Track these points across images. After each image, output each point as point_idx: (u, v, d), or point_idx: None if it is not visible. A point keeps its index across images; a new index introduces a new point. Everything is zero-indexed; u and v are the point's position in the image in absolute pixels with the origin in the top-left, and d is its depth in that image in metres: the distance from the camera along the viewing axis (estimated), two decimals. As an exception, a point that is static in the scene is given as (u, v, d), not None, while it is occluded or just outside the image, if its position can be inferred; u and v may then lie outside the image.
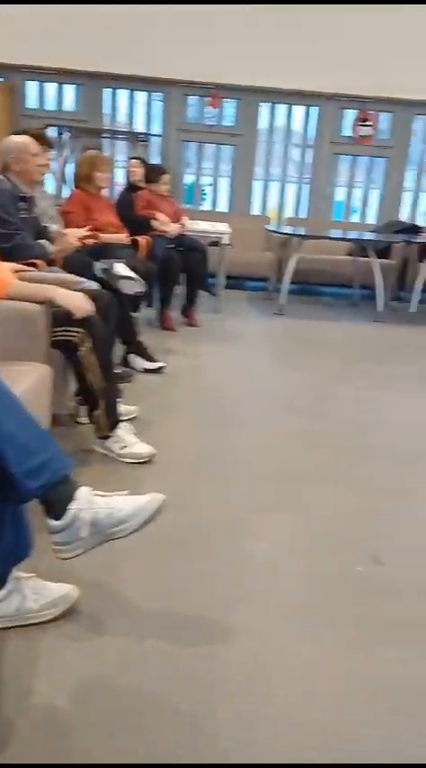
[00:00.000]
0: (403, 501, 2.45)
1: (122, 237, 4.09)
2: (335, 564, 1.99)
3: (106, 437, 2.54)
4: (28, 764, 1.26)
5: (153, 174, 4.97)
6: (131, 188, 5.29)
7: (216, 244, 5.42)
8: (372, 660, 1.58)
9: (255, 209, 7.40)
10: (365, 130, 6.93)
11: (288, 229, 6.44)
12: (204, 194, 7.77)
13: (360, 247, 6.14)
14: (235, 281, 6.42)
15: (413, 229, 6.77)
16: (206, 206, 7.64)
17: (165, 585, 1.81)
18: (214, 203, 7.58)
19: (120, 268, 3.32)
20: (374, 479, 2.61)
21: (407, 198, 7.46)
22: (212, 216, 6.60)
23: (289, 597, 1.81)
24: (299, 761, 1.28)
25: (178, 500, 2.26)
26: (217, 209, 7.43)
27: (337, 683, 1.49)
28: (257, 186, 7.34)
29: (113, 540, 1.57)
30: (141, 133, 6.95)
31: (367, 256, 5.83)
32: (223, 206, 7.51)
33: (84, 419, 2.63)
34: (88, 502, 1.52)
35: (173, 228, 4.75)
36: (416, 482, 2.62)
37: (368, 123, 6.91)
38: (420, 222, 7.21)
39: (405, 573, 1.97)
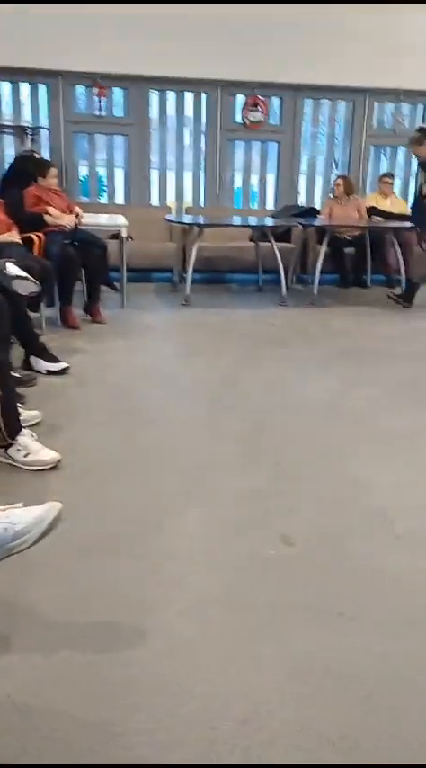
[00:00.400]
0: (311, 482, 2.49)
1: (13, 236, 3.93)
2: (247, 550, 2.00)
3: (7, 446, 2.44)
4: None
5: (40, 168, 4.81)
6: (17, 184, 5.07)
7: (116, 237, 5.32)
8: (284, 644, 1.60)
9: (154, 200, 7.32)
10: (255, 116, 6.98)
11: (187, 219, 6.42)
12: (103, 186, 7.61)
13: (261, 233, 6.20)
14: (140, 274, 6.33)
15: (311, 212, 6.91)
16: (102, 199, 7.49)
17: (76, 595, 1.76)
18: (111, 195, 7.45)
19: (12, 268, 3.19)
20: (283, 462, 2.64)
21: (303, 181, 7.59)
22: (110, 208, 6.48)
23: (202, 591, 1.80)
24: (218, 760, 1.27)
25: (87, 504, 2.22)
26: (115, 202, 7.30)
27: (250, 673, 1.50)
28: (154, 176, 7.26)
29: (14, 554, 1.52)
30: (28, 127, 6.71)
31: (268, 241, 5.89)
32: (120, 198, 7.39)
33: (-17, 429, 2.52)
34: (-19, 519, 1.45)
35: (68, 220, 4.62)
36: (323, 463, 2.67)
37: (258, 108, 6.96)
38: (317, 205, 7.37)
39: (315, 553, 2.01)
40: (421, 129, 5.53)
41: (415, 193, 6.00)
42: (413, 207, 5.93)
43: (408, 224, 6.03)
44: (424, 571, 1.91)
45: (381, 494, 2.39)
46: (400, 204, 6.86)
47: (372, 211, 6.62)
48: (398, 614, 1.72)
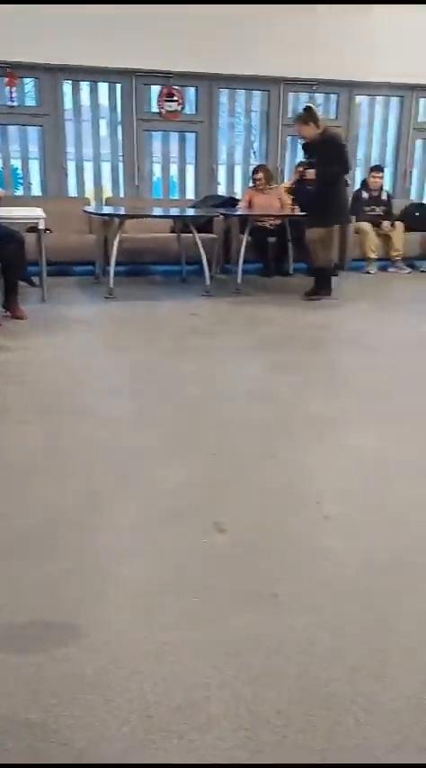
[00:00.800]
0: (242, 470, 2.52)
1: None
2: (179, 540, 2.00)
3: None
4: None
5: None
6: None
7: (34, 230, 5.19)
8: (219, 629, 1.62)
9: (72, 191, 7.18)
10: (171, 106, 6.95)
11: (107, 210, 6.34)
12: (19, 179, 7.40)
13: (183, 223, 6.19)
14: (60, 268, 6.22)
15: (231, 202, 6.96)
16: (17, 191, 7.28)
17: (7, 595, 1.72)
18: (27, 188, 7.25)
19: None
20: (212, 450, 2.66)
21: (222, 171, 7.62)
22: (26, 201, 6.31)
23: (134, 583, 1.80)
24: (155, 748, 1.28)
25: (15, 504, 2.18)
26: (31, 194, 7.12)
27: (186, 659, 1.51)
28: (71, 167, 7.12)
29: None
30: None
31: (190, 232, 5.89)
32: (37, 190, 7.21)
33: None
34: None
35: None
36: (253, 450, 2.70)
37: (173, 99, 6.94)
38: (238, 194, 7.43)
39: (247, 538, 2.03)
40: (307, 109, 5.43)
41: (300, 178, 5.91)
42: (296, 190, 5.82)
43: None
44: (354, 550, 1.97)
45: (311, 478, 2.44)
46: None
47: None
48: (329, 592, 1.77)
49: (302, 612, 1.68)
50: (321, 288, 5.68)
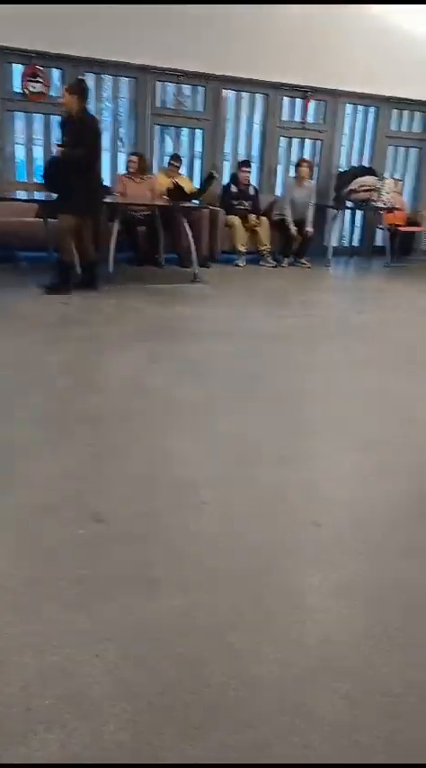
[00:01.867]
0: (120, 459, 2.51)
1: None
2: (57, 532, 1.98)
3: None
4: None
5: None
6: None
7: None
8: (98, 616, 1.62)
9: None
10: (35, 87, 6.69)
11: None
12: None
13: (49, 209, 5.99)
14: None
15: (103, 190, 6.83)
16: None
17: None
18: None
19: None
20: (88, 441, 2.64)
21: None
22: None
23: (10, 576, 1.75)
24: (37, 739, 1.27)
25: None
26: None
27: (67, 649, 1.51)
28: None
29: None
30: None
31: (56, 217, 5.71)
32: None
33: None
34: None
35: None
36: (130, 439, 2.70)
37: (38, 79, 6.68)
38: (105, 181, 7.31)
39: (126, 526, 2.04)
40: (81, 82, 5.27)
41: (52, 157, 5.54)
42: (49, 171, 5.44)
43: (196, 202, 6.25)
44: (230, 534, 2.04)
45: (186, 464, 2.49)
46: (187, 184, 7.08)
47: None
48: (206, 575, 1.83)
49: (180, 595, 1.73)
50: (62, 283, 5.30)
